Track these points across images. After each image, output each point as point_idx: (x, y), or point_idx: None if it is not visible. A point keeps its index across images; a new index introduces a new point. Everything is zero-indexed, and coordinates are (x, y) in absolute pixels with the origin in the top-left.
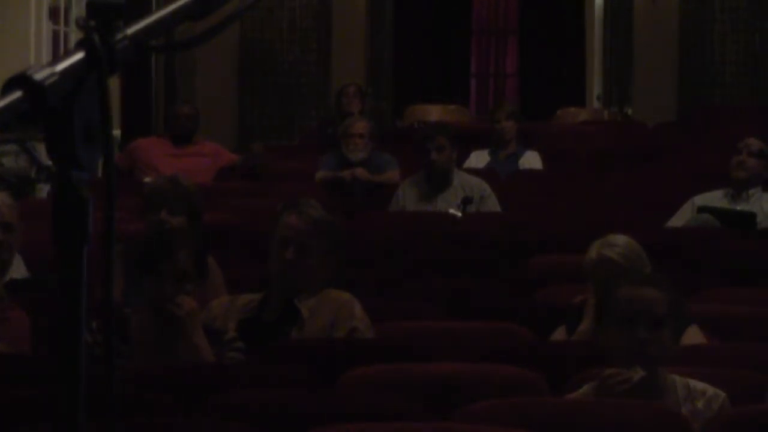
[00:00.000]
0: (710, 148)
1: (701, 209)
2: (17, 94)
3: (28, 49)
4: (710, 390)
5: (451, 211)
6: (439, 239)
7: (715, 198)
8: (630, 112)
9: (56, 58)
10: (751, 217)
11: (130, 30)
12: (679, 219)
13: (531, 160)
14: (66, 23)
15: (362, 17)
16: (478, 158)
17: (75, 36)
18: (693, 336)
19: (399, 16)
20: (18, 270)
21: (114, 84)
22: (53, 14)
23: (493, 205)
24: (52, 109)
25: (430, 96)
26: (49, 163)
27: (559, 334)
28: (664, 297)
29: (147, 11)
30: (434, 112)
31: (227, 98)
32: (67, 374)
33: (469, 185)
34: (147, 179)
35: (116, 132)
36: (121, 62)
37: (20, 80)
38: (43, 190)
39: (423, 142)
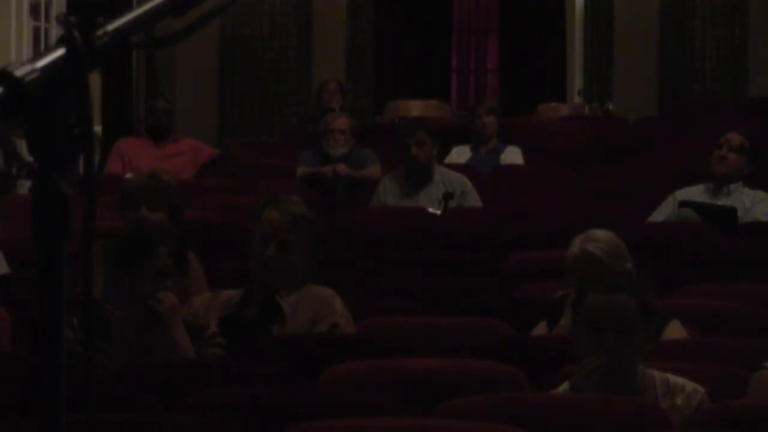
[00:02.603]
0: (691, 143)
1: (682, 204)
2: None
3: (8, 45)
4: (689, 385)
5: (431, 210)
6: (420, 235)
7: (696, 193)
8: (611, 107)
9: (37, 55)
10: (732, 212)
11: (111, 26)
12: (661, 214)
13: (512, 155)
14: (47, 20)
15: (342, 13)
16: (459, 154)
17: (56, 32)
18: (674, 331)
19: (379, 12)
20: None
21: (95, 80)
22: (34, 11)
23: (474, 200)
24: (32, 106)
25: (411, 91)
26: (30, 159)
27: (540, 329)
28: (633, 302)
29: (127, 8)
30: (415, 108)
31: (208, 94)
32: (48, 371)
33: (450, 181)
34: (128, 175)
35: (97, 128)
36: (101, 59)
37: (0, 76)
38: (24, 186)
39: (403, 137)
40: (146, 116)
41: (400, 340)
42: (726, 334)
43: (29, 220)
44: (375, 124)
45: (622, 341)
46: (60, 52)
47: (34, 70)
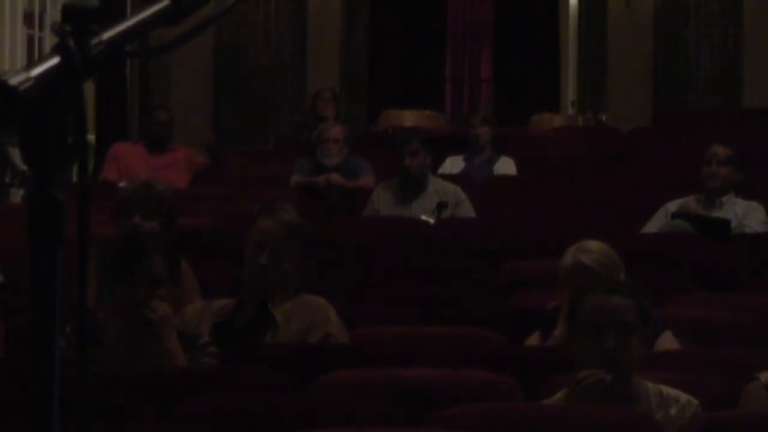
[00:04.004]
0: (684, 154)
1: (675, 215)
2: None
3: (2, 53)
4: (683, 397)
5: (423, 217)
6: (414, 244)
7: (688, 204)
8: (604, 117)
9: (31, 63)
10: (725, 223)
11: (106, 35)
12: (653, 225)
13: (505, 165)
14: (41, 28)
15: (337, 22)
16: (453, 164)
17: (50, 41)
18: (667, 342)
19: (374, 21)
20: None
21: (89, 89)
22: (28, 19)
23: (467, 210)
24: (27, 114)
25: (405, 101)
26: (24, 167)
27: (533, 339)
28: (632, 304)
29: (122, 16)
30: (409, 118)
31: (202, 103)
32: (42, 378)
33: (444, 190)
34: (121, 184)
35: (91, 137)
36: (96, 67)
37: None
38: (18, 194)
39: (397, 147)
40: (145, 126)
41: (393, 350)
42: (719, 345)
43: (23, 228)
44: (369, 133)
45: (622, 341)
46: (55, 60)
47: (28, 79)
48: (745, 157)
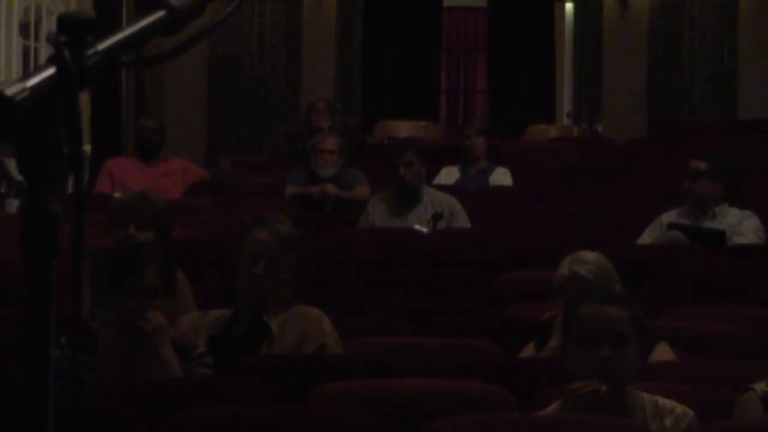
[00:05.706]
0: (680, 165)
1: (671, 226)
2: None
3: None
4: (679, 408)
5: (417, 227)
6: (409, 255)
7: (682, 215)
8: (600, 128)
9: (27, 74)
10: (720, 234)
11: (101, 46)
12: (648, 237)
13: (501, 176)
14: (36, 38)
15: (332, 33)
16: (448, 175)
17: (45, 51)
18: (662, 353)
19: (368, 32)
20: None
21: (84, 99)
22: (23, 29)
23: (463, 221)
24: (22, 125)
25: (400, 112)
26: (19, 178)
27: (528, 350)
28: (627, 314)
29: (117, 27)
30: (404, 129)
31: (197, 114)
32: (36, 389)
33: (439, 202)
34: (116, 194)
35: (86, 147)
36: (91, 78)
37: None
38: (13, 204)
39: (392, 158)
40: (135, 135)
41: (388, 361)
42: (714, 356)
43: (18, 239)
44: (364, 144)
45: (617, 351)
46: (50, 71)
47: (24, 89)
48: (728, 166)
